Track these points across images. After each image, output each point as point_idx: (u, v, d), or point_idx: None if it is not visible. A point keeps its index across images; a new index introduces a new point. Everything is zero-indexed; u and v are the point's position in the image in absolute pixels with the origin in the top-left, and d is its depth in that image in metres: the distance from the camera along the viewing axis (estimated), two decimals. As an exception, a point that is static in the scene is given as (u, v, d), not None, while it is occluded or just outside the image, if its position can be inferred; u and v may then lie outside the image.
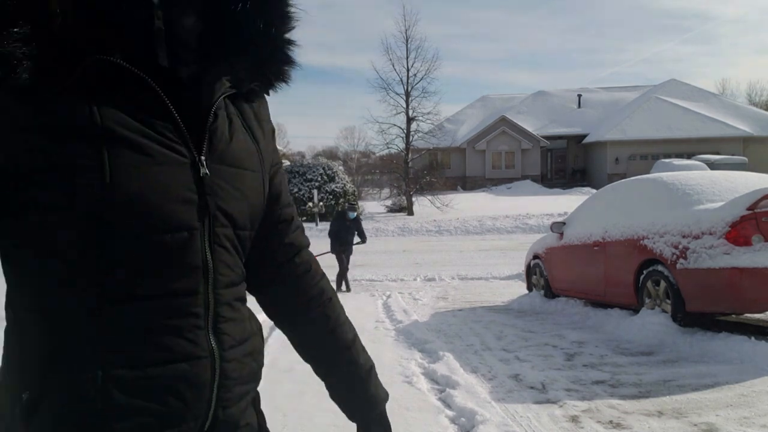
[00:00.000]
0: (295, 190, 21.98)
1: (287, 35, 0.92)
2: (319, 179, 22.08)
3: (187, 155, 0.81)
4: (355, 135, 66.21)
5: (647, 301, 5.81)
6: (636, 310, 6.01)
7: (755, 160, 28.25)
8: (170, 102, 0.80)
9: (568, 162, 38.31)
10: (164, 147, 0.79)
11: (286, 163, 33.27)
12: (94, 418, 0.76)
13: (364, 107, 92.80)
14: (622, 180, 7.43)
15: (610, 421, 3.56)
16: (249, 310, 0.95)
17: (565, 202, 21.75)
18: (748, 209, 5.01)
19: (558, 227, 7.59)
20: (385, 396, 1.15)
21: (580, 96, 39.41)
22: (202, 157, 0.82)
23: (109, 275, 0.77)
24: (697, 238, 5.24)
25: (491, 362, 5.06)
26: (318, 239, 18.98)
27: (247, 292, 0.97)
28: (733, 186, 5.68)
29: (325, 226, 20.66)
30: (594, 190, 21.12)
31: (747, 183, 5.75)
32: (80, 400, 0.76)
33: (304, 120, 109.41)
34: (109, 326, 0.77)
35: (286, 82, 0.96)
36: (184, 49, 0.83)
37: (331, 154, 49.04)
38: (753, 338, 4.90)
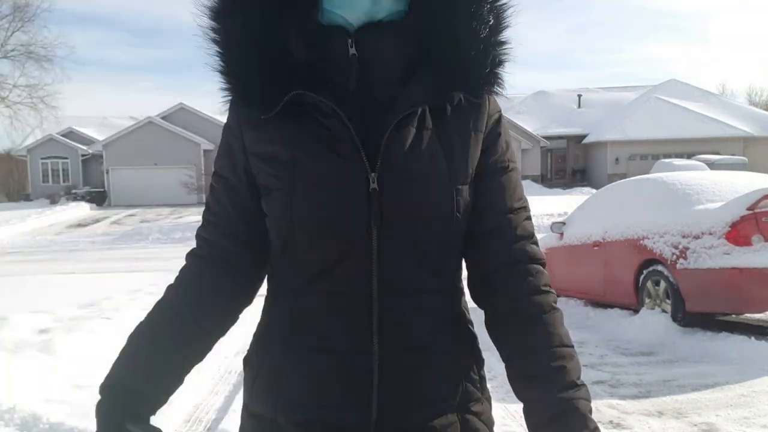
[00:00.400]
0: (295, 190, 22.01)
1: (500, 53, 0.98)
2: (319, 179, 22.11)
3: (360, 171, 0.91)
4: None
5: (647, 301, 5.81)
6: (636, 310, 6.01)
7: (755, 160, 28.24)
8: (354, 122, 0.91)
9: (568, 162, 38.31)
10: (340, 165, 0.91)
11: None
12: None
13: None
14: (622, 180, 7.43)
15: (610, 421, 3.55)
16: (443, 323, 0.99)
17: (565, 202, 21.72)
18: (748, 209, 5.01)
19: (558, 227, 7.59)
20: None
21: (580, 96, 39.40)
22: (374, 174, 0.91)
23: (293, 269, 0.95)
24: (697, 238, 5.23)
25: (491, 362, 5.02)
26: (318, 239, 19.01)
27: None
28: (733, 186, 5.69)
29: (325, 226, 20.69)
30: (594, 190, 21.10)
31: (747, 183, 5.75)
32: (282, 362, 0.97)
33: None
34: (291, 311, 0.97)
35: (495, 88, 1.00)
36: (378, 72, 0.94)
37: (331, 155, 49.07)
38: (753, 338, 4.90)
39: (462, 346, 1.03)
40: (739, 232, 5.00)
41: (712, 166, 22.30)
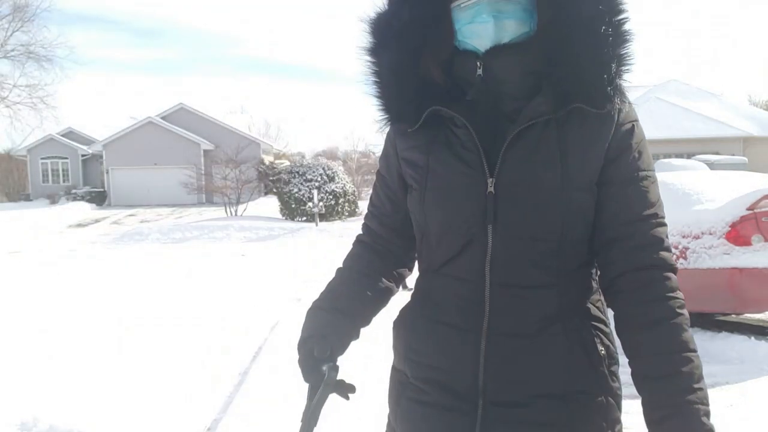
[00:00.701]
0: (295, 190, 21.95)
1: (621, 65, 1.08)
2: (319, 179, 22.04)
3: (480, 176, 1.08)
4: (355, 135, 66.31)
5: (647, 301, 5.81)
6: (636, 310, 6.01)
7: (755, 160, 28.23)
8: (481, 132, 1.08)
9: (568, 162, 38.28)
10: (464, 171, 1.09)
11: (285, 163, 33.32)
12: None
13: (364, 107, 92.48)
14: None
15: (610, 421, 3.56)
16: (555, 316, 1.08)
17: (565, 202, 21.72)
18: (748, 209, 5.01)
19: (558, 227, 7.60)
20: None
21: (579, 96, 39.41)
22: (491, 179, 1.06)
23: (428, 255, 1.17)
24: (696, 238, 5.24)
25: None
26: (318, 240, 18.99)
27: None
28: (733, 186, 5.69)
29: (326, 226, 20.64)
30: (594, 190, 20.99)
31: (747, 183, 5.75)
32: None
33: (304, 120, 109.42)
34: (425, 289, 1.20)
35: (616, 100, 1.09)
36: (504, 88, 1.10)
37: (331, 155, 49.04)
38: (753, 338, 4.91)
39: (577, 339, 1.09)
40: (738, 232, 5.00)
41: (712, 166, 22.26)
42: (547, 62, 1.07)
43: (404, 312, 1.26)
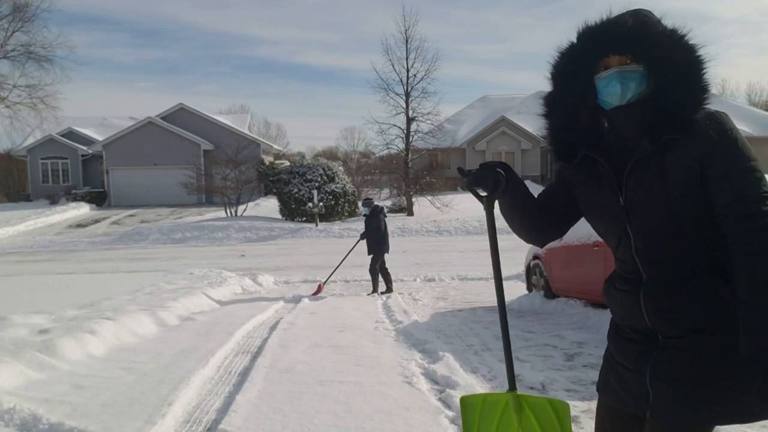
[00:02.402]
0: (295, 190, 21.96)
1: (703, 99, 1.61)
2: (319, 179, 22.04)
3: (615, 197, 1.66)
4: (355, 135, 66.20)
5: (647, 301, 5.81)
6: (636, 311, 6.02)
7: (755, 160, 28.22)
8: (613, 166, 1.66)
9: (568, 162, 38.29)
10: (605, 193, 1.69)
11: (286, 163, 33.29)
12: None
13: (364, 107, 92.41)
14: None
15: (610, 422, 3.55)
16: (704, 288, 1.57)
17: (565, 203, 21.74)
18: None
19: (558, 227, 7.60)
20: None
21: (579, 96, 39.41)
22: (622, 198, 1.64)
23: (608, 242, 1.76)
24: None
25: (491, 362, 5.06)
26: (318, 240, 18.99)
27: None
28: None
29: (326, 226, 20.66)
30: (594, 191, 21.03)
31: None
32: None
33: (303, 120, 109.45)
34: (614, 267, 1.78)
35: (698, 124, 1.57)
36: (627, 133, 1.65)
37: (331, 155, 49.02)
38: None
39: (710, 290, 1.56)
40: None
41: (711, 166, 22.25)
42: (657, 112, 1.61)
43: (606, 282, 1.83)
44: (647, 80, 1.61)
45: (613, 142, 1.69)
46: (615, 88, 1.61)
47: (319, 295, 9.19)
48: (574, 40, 1.70)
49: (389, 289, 9.52)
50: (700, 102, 1.58)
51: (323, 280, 9.94)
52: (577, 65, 1.68)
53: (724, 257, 1.56)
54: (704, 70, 1.60)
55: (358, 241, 10.25)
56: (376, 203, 10.04)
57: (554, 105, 1.76)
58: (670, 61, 1.58)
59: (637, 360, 1.66)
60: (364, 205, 10.21)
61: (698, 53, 1.61)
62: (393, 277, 9.81)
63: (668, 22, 1.65)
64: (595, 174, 1.71)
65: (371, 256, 9.62)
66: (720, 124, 1.56)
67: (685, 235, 1.58)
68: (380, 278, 9.58)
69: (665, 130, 1.56)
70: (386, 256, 9.74)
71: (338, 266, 10.41)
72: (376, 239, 9.59)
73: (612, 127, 1.69)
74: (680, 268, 1.59)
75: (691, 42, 1.62)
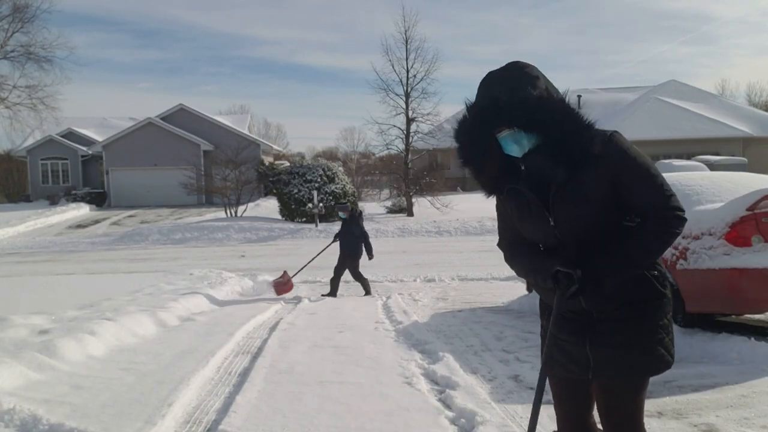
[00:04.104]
0: (295, 191, 21.94)
1: (588, 131, 1.98)
2: (319, 180, 22.02)
3: (545, 216, 2.02)
4: (355, 136, 65.98)
5: (647, 301, 5.80)
6: (636, 311, 6.01)
7: (755, 160, 28.23)
8: (536, 193, 2.02)
9: (568, 163, 38.28)
10: (535, 215, 2.04)
11: (286, 163, 33.25)
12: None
13: (363, 108, 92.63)
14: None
15: (610, 422, 3.55)
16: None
17: (564, 203, 21.71)
18: (748, 210, 5.01)
19: (558, 228, 7.59)
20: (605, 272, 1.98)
21: (579, 97, 39.16)
22: (551, 217, 2.01)
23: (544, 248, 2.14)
24: (696, 238, 5.23)
25: (491, 363, 5.06)
26: (318, 240, 18.98)
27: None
28: (733, 186, 5.68)
29: (325, 227, 20.63)
30: (594, 191, 20.98)
31: (747, 183, 5.74)
32: None
33: (303, 120, 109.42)
34: None
35: (584, 157, 1.94)
36: (540, 169, 1.99)
37: (330, 155, 48.98)
38: (753, 339, 4.90)
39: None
40: (738, 233, 5.00)
41: (711, 166, 22.25)
42: (553, 154, 1.95)
43: None
44: (535, 135, 1.95)
45: (533, 172, 2.01)
46: (512, 147, 1.98)
47: (287, 294, 9.24)
48: (467, 114, 2.04)
49: (368, 292, 9.45)
50: (589, 133, 1.94)
51: (292, 274, 9.77)
52: (475, 134, 2.01)
53: None
54: (576, 111, 1.97)
55: (331, 243, 9.99)
56: (353, 207, 9.83)
57: (467, 158, 2.06)
58: (545, 120, 1.90)
59: (578, 333, 2.06)
60: (339, 209, 10.05)
61: (565, 101, 1.97)
62: (393, 277, 9.79)
63: (537, 75, 1.98)
64: (523, 201, 2.05)
65: (347, 262, 9.41)
66: (618, 146, 1.96)
67: (607, 239, 1.98)
68: (338, 283, 9.43)
69: (573, 162, 1.92)
70: (375, 257, 9.68)
71: (306, 265, 10.29)
72: (351, 245, 9.42)
73: (527, 165, 2.02)
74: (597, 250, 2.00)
75: (557, 98, 1.97)
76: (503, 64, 2.03)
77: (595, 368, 2.05)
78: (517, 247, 2.18)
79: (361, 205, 23.75)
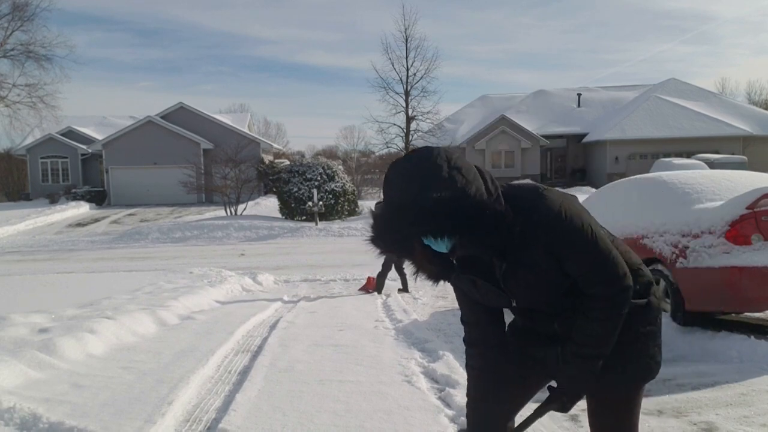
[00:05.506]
0: (295, 189, 21.94)
1: (502, 219, 1.78)
2: (319, 179, 22.02)
3: (497, 292, 1.97)
4: (355, 134, 66.14)
5: (647, 300, 5.80)
6: (636, 310, 6.00)
7: (755, 159, 28.24)
8: (482, 273, 1.96)
9: (568, 161, 38.29)
10: (487, 292, 1.99)
11: (286, 162, 33.22)
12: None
13: (363, 107, 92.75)
14: (622, 179, 7.43)
15: (610, 421, 3.55)
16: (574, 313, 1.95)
17: (564, 202, 21.67)
18: (748, 208, 5.01)
19: (558, 226, 7.58)
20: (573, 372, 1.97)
21: (579, 95, 39.37)
22: (504, 292, 1.97)
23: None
24: (696, 237, 5.23)
25: (491, 361, 5.05)
26: (318, 239, 18.98)
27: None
28: (733, 185, 5.68)
29: (325, 225, 20.63)
30: (593, 190, 21.08)
31: (746, 182, 5.74)
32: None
33: (303, 119, 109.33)
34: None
35: (518, 235, 1.81)
36: (470, 256, 1.91)
37: (330, 154, 49.00)
38: (753, 337, 4.90)
39: (574, 313, 1.96)
40: (738, 231, 5.00)
41: (711, 165, 22.28)
42: (477, 247, 1.84)
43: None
44: (450, 238, 1.78)
45: (467, 261, 1.93)
46: (438, 245, 1.76)
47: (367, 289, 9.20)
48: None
49: (405, 287, 9.40)
50: (500, 213, 1.75)
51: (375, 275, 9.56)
52: (396, 234, 1.77)
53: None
54: (478, 196, 1.71)
55: None
56: None
57: (399, 255, 1.90)
58: (448, 227, 1.70)
59: (548, 347, 2.07)
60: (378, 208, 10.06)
61: (470, 192, 1.71)
62: (393, 276, 9.77)
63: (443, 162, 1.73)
64: (466, 282, 1.99)
65: (393, 257, 9.45)
66: (545, 214, 1.81)
67: (559, 295, 1.94)
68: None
69: (500, 251, 1.86)
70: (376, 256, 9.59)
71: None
72: None
73: (457, 259, 1.92)
74: (563, 308, 1.98)
75: (460, 194, 1.70)
76: (410, 153, 1.82)
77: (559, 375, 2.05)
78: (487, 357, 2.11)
79: (360, 203, 23.76)
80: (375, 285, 9.35)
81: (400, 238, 1.75)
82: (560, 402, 1.99)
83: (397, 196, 1.72)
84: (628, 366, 1.96)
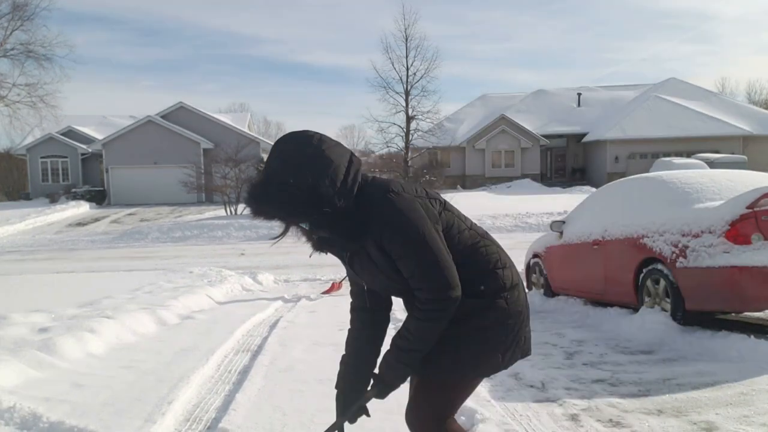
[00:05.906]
0: (295, 189, 21.96)
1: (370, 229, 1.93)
2: (319, 178, 22.02)
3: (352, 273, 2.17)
4: (355, 134, 66.17)
5: (647, 299, 5.80)
6: (635, 309, 6.01)
7: (754, 158, 28.24)
8: (339, 255, 2.13)
9: (568, 161, 38.30)
10: (348, 265, 2.12)
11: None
12: None
13: (363, 106, 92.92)
14: (622, 179, 7.43)
15: (610, 420, 3.56)
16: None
17: (564, 201, 21.72)
18: (748, 208, 5.01)
19: (557, 226, 7.59)
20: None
21: (579, 95, 39.37)
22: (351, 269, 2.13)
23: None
24: (696, 236, 5.23)
25: (491, 361, 5.05)
26: (318, 238, 18.99)
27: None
28: (733, 185, 5.68)
29: (325, 225, 20.64)
30: (593, 189, 21.08)
31: (746, 181, 5.74)
32: None
33: (303, 119, 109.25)
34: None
35: (372, 239, 1.95)
36: (338, 245, 2.04)
37: (330, 153, 48.88)
38: (753, 337, 4.90)
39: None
40: (738, 231, 4.99)
41: (711, 164, 22.30)
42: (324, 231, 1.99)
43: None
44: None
45: (325, 240, 2.04)
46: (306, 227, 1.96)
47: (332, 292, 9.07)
48: None
49: None
50: (336, 206, 1.86)
51: (338, 280, 9.44)
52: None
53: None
54: (322, 188, 1.84)
55: None
56: None
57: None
58: (291, 213, 1.90)
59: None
60: None
61: (296, 180, 1.84)
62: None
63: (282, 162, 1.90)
64: (342, 257, 2.12)
65: None
66: (383, 213, 1.89)
67: (400, 288, 2.03)
68: None
69: (348, 235, 1.96)
70: None
71: None
72: None
73: (320, 238, 2.05)
74: (408, 300, 2.10)
75: (303, 185, 1.84)
76: (292, 133, 1.97)
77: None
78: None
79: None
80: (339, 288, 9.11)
81: (266, 209, 1.91)
82: (377, 388, 2.10)
83: (264, 171, 1.90)
84: (455, 355, 2.02)
